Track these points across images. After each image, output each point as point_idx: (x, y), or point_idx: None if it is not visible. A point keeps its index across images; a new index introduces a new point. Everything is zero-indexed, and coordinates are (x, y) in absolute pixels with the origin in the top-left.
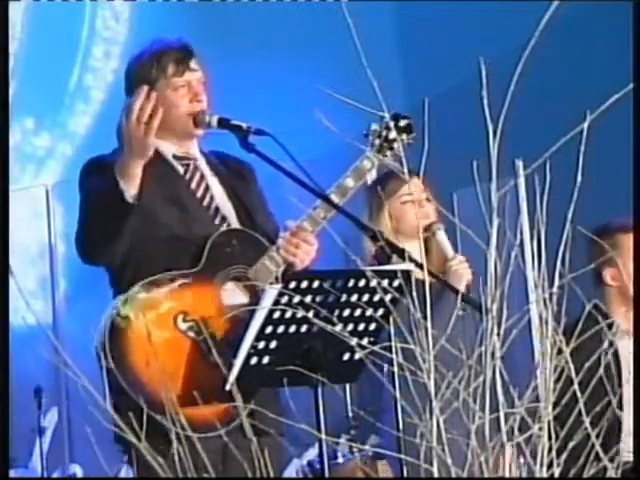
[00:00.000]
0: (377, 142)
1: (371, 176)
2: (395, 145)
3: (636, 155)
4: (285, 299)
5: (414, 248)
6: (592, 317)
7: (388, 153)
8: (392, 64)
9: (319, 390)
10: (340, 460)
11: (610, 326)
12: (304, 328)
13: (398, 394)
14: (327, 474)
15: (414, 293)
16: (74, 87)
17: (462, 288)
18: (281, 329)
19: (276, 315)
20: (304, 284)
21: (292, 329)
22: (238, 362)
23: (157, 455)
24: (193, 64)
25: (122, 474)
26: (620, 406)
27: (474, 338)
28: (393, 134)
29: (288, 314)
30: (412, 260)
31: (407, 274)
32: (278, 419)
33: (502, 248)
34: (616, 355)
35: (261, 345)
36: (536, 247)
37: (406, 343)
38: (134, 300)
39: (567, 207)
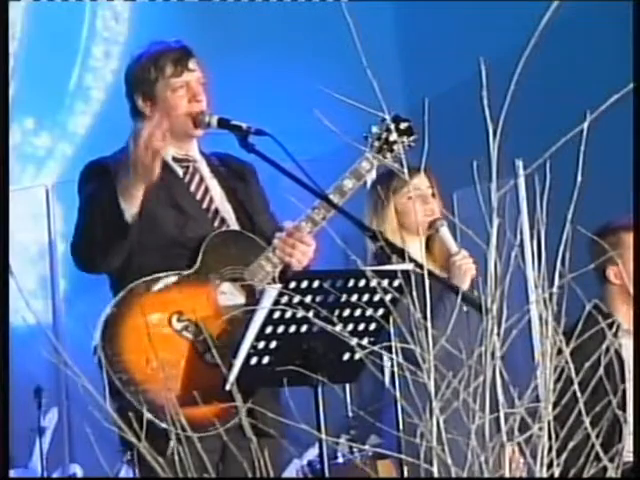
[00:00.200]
0: (377, 144)
1: (371, 177)
2: (395, 147)
3: (636, 155)
4: (285, 299)
5: (418, 244)
6: (593, 317)
7: (388, 155)
8: (392, 64)
9: (319, 390)
10: (340, 460)
11: (610, 326)
12: (304, 328)
13: (398, 394)
14: (327, 474)
15: (415, 293)
16: (74, 87)
17: (467, 283)
18: (281, 329)
19: (276, 315)
20: (304, 284)
21: (292, 329)
22: (238, 362)
23: (156, 455)
24: (192, 64)
25: (122, 474)
26: (623, 405)
27: (479, 334)
28: (393, 137)
29: (288, 314)
30: (412, 260)
31: (407, 274)
32: (278, 419)
33: (502, 248)
34: (618, 354)
35: (261, 345)
36: (536, 247)
37: (406, 343)
38: (130, 299)
39: (567, 207)
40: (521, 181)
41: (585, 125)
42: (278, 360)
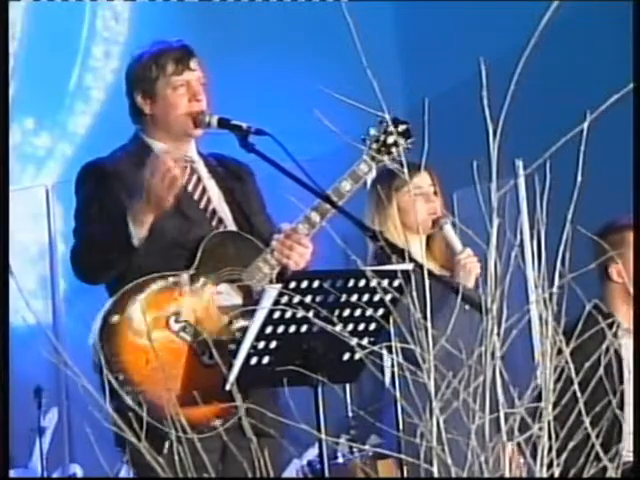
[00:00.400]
0: (375, 146)
1: (370, 178)
2: (393, 150)
3: (636, 155)
4: (285, 299)
5: (419, 243)
6: (593, 317)
7: (386, 157)
8: (392, 64)
9: (319, 390)
10: (340, 460)
11: (610, 326)
12: (304, 328)
13: (398, 394)
14: (327, 474)
15: (415, 293)
16: (74, 87)
17: (472, 282)
18: (281, 329)
19: (276, 315)
20: (304, 284)
21: (292, 329)
22: (238, 362)
23: (156, 455)
24: (193, 64)
25: (122, 474)
26: (622, 405)
27: (480, 333)
28: (391, 139)
29: (288, 314)
30: (412, 260)
31: (407, 274)
32: (278, 419)
33: (502, 248)
34: (617, 354)
35: (261, 345)
36: (536, 247)
37: (406, 343)
38: (127, 300)
39: (567, 207)
40: (521, 181)
41: (585, 125)
42: (278, 360)
